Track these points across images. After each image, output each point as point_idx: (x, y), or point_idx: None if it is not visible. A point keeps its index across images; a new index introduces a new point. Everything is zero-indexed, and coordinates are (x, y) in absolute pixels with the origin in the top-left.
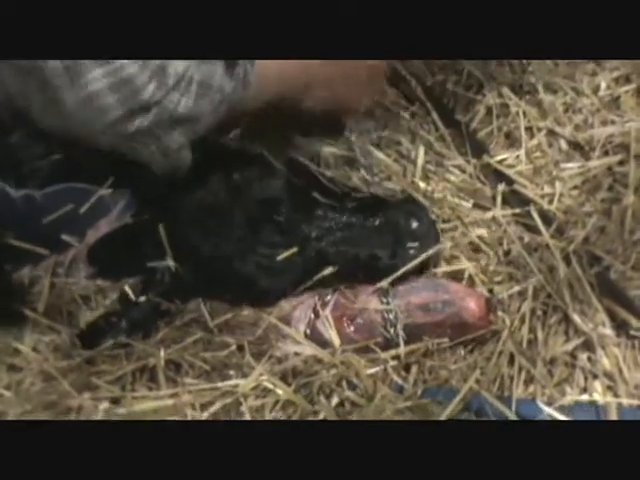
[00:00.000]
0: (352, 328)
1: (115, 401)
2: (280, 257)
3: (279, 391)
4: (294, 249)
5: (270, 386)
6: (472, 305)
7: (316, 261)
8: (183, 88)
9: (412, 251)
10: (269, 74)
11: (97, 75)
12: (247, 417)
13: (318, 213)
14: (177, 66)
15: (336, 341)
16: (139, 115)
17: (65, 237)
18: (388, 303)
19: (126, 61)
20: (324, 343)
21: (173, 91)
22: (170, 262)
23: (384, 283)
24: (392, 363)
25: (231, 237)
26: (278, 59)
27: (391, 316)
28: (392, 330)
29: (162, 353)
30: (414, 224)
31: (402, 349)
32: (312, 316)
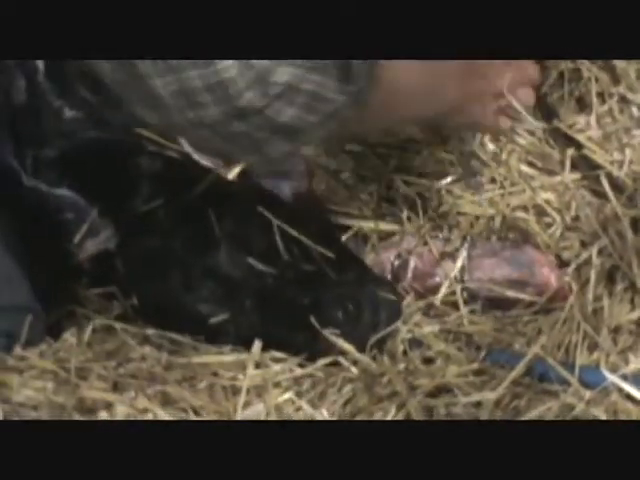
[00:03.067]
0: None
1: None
2: (213, 320)
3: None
4: (224, 315)
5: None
6: (552, 281)
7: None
8: (288, 98)
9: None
10: (393, 99)
11: (194, 75)
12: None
13: (254, 280)
14: (282, 74)
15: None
16: (236, 120)
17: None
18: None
19: (226, 63)
20: None
21: (277, 100)
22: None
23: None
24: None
25: (166, 291)
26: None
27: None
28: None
29: None
30: (339, 314)
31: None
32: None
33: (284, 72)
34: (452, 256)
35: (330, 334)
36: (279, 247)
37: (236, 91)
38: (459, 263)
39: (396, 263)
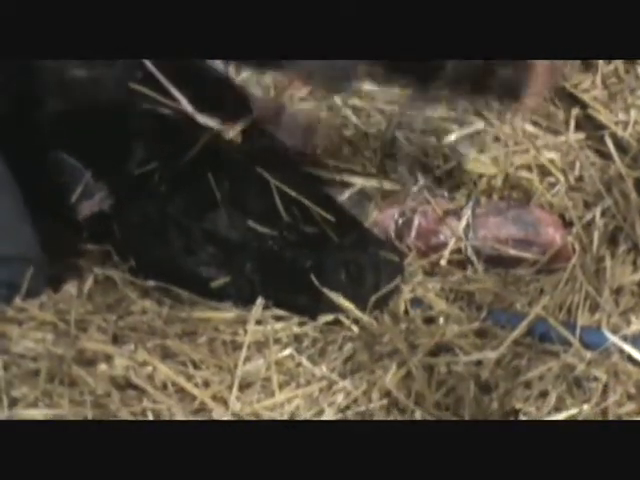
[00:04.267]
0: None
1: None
2: (214, 284)
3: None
4: (226, 278)
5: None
6: (557, 240)
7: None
8: None
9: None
10: None
11: None
12: None
13: (254, 242)
14: None
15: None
16: None
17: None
18: (469, 235)
19: None
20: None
21: None
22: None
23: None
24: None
25: (168, 258)
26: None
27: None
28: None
29: None
30: (342, 276)
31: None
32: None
33: None
34: (457, 214)
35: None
36: (279, 208)
37: None
38: (464, 221)
39: (400, 221)
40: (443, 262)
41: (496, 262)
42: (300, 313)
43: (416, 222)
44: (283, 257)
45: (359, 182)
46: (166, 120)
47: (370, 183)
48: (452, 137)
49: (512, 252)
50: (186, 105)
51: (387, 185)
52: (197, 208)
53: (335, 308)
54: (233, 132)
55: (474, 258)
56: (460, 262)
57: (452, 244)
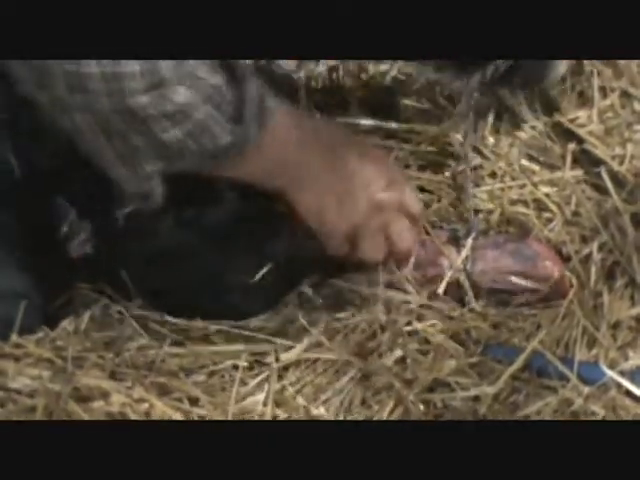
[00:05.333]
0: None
1: None
2: (257, 276)
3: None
4: (268, 266)
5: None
6: (555, 274)
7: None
8: (177, 119)
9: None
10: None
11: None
12: None
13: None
14: (180, 95)
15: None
16: (119, 116)
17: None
18: (467, 267)
19: (129, 69)
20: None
21: (165, 118)
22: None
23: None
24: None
25: (198, 268)
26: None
27: (466, 281)
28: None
29: None
30: None
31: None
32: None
33: (182, 93)
34: (456, 246)
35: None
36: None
37: (131, 89)
38: (463, 253)
39: None
40: (440, 291)
41: (493, 296)
42: None
43: (415, 253)
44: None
45: None
46: None
47: None
48: (447, 173)
49: (511, 284)
50: None
51: None
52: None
53: None
54: None
55: (470, 292)
56: (457, 295)
57: (450, 274)
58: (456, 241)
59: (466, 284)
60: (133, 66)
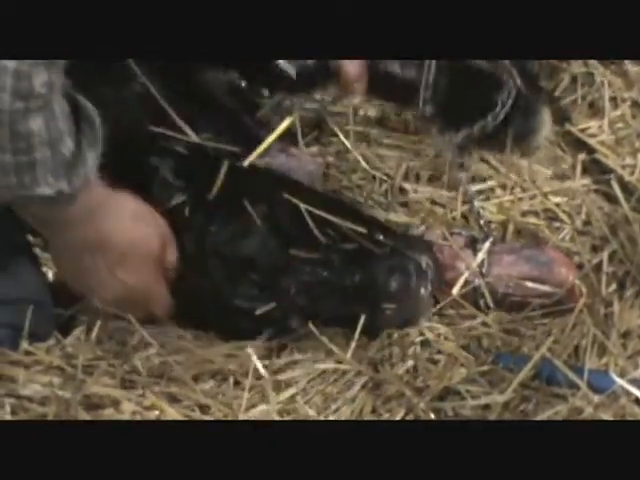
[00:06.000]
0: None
1: None
2: (259, 311)
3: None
4: (272, 304)
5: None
6: (570, 279)
7: (295, 315)
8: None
9: (388, 312)
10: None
11: None
12: None
13: (297, 267)
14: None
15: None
16: None
17: None
18: (483, 270)
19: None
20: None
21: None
22: None
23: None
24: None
25: (204, 287)
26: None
27: (483, 287)
28: (482, 300)
29: None
30: (393, 284)
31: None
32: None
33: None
34: (473, 249)
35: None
36: (314, 231)
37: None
38: (480, 256)
39: None
40: (455, 291)
41: (508, 301)
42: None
43: None
44: (329, 276)
45: (383, 216)
46: (180, 154)
47: (395, 218)
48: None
49: (526, 290)
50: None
51: (398, 218)
52: (235, 236)
53: (390, 320)
54: (249, 159)
55: (487, 296)
56: (472, 299)
57: (465, 276)
58: (474, 245)
59: (482, 287)
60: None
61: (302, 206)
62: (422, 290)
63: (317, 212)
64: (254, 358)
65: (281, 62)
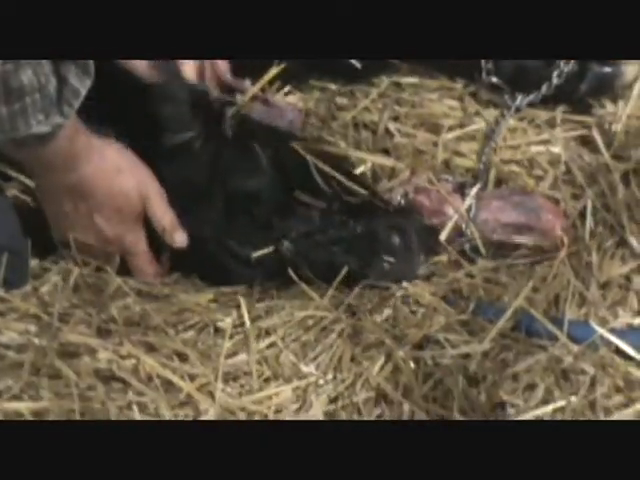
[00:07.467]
0: None
1: None
2: (255, 254)
3: None
4: (270, 248)
5: None
6: (557, 228)
7: (290, 261)
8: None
9: (386, 265)
10: None
11: None
12: None
13: (300, 213)
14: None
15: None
16: None
17: None
18: (470, 215)
19: None
20: None
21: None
22: None
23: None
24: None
25: (207, 220)
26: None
27: (468, 231)
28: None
29: None
30: (395, 240)
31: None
32: None
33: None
34: (461, 194)
35: (386, 262)
36: (318, 182)
37: None
38: (468, 201)
39: (402, 202)
40: (443, 237)
41: (495, 246)
42: (351, 275)
43: (419, 202)
44: (330, 226)
45: (370, 159)
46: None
47: (381, 161)
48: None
49: (513, 238)
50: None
51: (386, 161)
52: (243, 172)
53: (386, 273)
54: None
55: (477, 238)
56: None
57: (454, 220)
58: (462, 191)
59: (468, 232)
60: None
61: (308, 157)
62: (421, 255)
63: (322, 166)
64: (243, 306)
65: None
